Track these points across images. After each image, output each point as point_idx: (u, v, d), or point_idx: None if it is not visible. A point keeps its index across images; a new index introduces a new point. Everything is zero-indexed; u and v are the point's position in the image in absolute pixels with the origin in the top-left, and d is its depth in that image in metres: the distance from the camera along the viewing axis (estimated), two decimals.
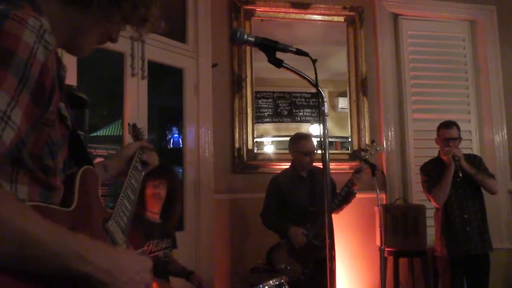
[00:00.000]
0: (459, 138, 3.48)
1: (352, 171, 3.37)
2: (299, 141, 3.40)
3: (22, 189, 0.86)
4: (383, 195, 3.85)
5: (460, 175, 3.32)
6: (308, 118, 4.24)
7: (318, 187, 3.32)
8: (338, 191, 3.33)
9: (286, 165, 3.84)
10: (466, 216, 3.40)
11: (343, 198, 3.30)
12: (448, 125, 3.49)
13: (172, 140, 6.94)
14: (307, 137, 3.45)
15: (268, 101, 4.17)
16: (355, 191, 3.31)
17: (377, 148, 3.40)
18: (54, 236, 0.78)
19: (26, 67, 0.79)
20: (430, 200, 3.50)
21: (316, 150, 3.39)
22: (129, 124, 1.81)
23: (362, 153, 3.36)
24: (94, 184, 1.08)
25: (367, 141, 4.17)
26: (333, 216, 3.25)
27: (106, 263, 0.84)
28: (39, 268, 0.77)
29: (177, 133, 6.72)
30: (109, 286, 0.84)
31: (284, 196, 3.36)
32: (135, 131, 1.76)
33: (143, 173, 1.48)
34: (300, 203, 3.31)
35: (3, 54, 0.77)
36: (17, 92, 0.78)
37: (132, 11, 1.02)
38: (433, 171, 3.49)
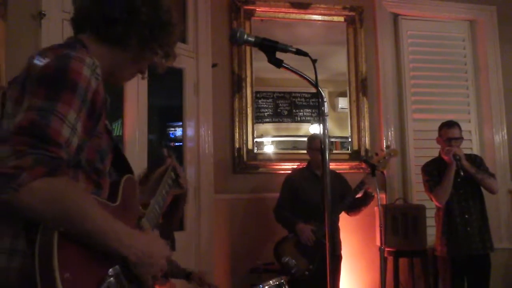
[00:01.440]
0: (460, 138, 3.48)
1: (352, 171, 3.38)
2: (315, 139, 3.50)
3: (81, 186, 1.14)
4: (383, 195, 3.85)
5: (461, 174, 3.32)
6: (308, 118, 4.24)
7: (331, 187, 3.34)
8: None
9: (286, 165, 3.85)
10: (466, 216, 3.40)
11: (361, 201, 3.35)
12: (450, 124, 3.49)
13: (172, 139, 6.93)
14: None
15: (268, 101, 4.16)
16: (372, 193, 3.34)
17: (391, 154, 3.40)
18: (106, 221, 1.06)
19: (85, 93, 1.09)
20: (432, 200, 3.50)
21: (332, 150, 3.48)
22: (164, 148, 2.06)
23: (374, 158, 3.36)
24: (133, 189, 1.33)
25: (367, 141, 4.18)
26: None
27: (138, 248, 1.11)
28: (89, 240, 1.04)
29: (176, 133, 6.71)
30: (136, 265, 1.12)
31: (296, 193, 3.42)
32: (168, 152, 1.96)
33: (171, 189, 1.75)
34: (312, 200, 3.33)
35: (72, 84, 1.06)
36: (80, 110, 1.07)
37: (160, 50, 1.30)
38: (434, 171, 3.49)
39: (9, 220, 1.05)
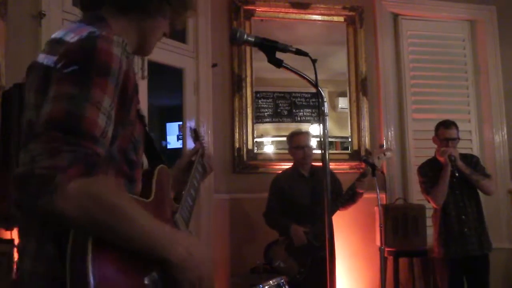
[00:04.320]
0: (457, 138, 3.47)
1: (352, 171, 3.37)
2: (292, 137, 3.49)
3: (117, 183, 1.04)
4: (383, 195, 3.85)
5: (456, 174, 3.31)
6: (308, 118, 4.24)
7: (320, 187, 3.33)
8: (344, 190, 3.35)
9: (286, 165, 3.84)
10: (463, 217, 3.39)
11: (349, 198, 3.32)
12: (447, 125, 3.47)
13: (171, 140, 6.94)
14: (299, 132, 3.54)
15: (268, 101, 4.16)
16: (361, 192, 3.32)
17: (385, 154, 3.38)
18: (147, 222, 0.96)
19: (118, 75, 0.98)
20: (429, 201, 3.49)
21: (312, 145, 3.46)
22: (190, 128, 1.93)
23: (368, 156, 3.34)
24: (167, 180, 1.25)
25: (367, 141, 4.18)
26: (334, 216, 3.26)
27: (183, 252, 1.00)
28: (128, 245, 0.94)
29: (176, 133, 6.72)
30: (178, 268, 1.00)
31: (284, 195, 3.38)
32: (196, 135, 1.91)
33: (202, 175, 1.67)
34: (301, 202, 3.32)
35: (103, 66, 0.96)
36: (114, 95, 0.97)
37: (180, 4, 1.23)
38: (430, 172, 3.48)
39: (35, 221, 0.98)
